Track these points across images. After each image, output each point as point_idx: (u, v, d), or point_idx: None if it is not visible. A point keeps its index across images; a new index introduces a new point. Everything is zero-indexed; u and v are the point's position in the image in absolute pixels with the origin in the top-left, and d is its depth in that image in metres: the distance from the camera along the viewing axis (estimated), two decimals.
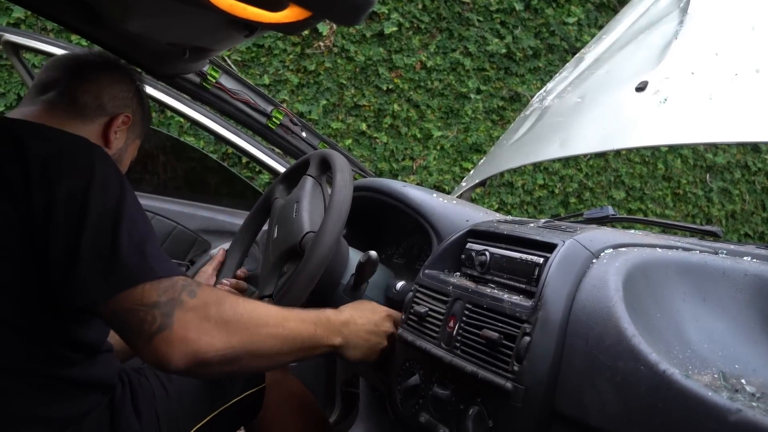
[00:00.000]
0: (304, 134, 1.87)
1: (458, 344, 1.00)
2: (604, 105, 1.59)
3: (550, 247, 0.95)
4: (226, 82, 1.81)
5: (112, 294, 0.91)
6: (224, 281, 1.33)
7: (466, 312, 1.00)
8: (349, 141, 4.09)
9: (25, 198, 0.92)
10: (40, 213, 0.92)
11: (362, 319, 1.14)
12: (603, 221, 1.37)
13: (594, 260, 0.91)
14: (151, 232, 0.99)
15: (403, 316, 1.16)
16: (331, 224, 1.09)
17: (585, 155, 4.43)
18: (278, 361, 1.05)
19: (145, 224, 0.98)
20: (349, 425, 1.78)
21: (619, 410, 0.75)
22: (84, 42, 2.78)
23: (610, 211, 1.38)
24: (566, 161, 4.68)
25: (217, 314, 0.94)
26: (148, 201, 2.15)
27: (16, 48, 2.11)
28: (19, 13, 3.32)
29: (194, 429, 1.21)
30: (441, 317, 1.06)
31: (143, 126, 1.32)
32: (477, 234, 1.16)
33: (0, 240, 0.93)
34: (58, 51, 2.03)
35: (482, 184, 1.91)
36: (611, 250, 0.93)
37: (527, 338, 0.87)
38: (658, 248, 0.94)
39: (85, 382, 1.04)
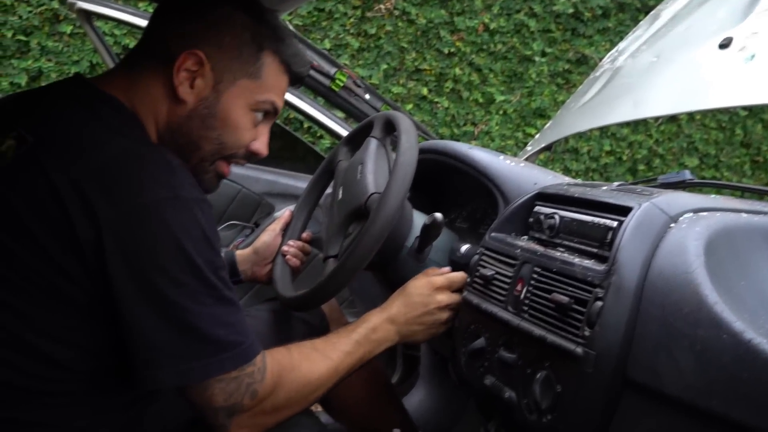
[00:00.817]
0: (367, 96, 1.86)
1: (526, 308, 0.98)
2: (682, 64, 1.50)
3: (624, 211, 0.92)
4: None
5: (177, 384, 0.89)
6: (290, 242, 1.36)
7: (535, 275, 0.98)
8: (410, 106, 4.05)
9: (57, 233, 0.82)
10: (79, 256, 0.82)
11: (408, 306, 1.13)
12: (679, 186, 1.31)
13: (672, 224, 0.87)
14: (224, 291, 0.88)
15: (469, 279, 1.15)
16: (396, 185, 1.08)
17: (657, 118, 4.25)
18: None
19: (218, 281, 0.87)
20: (409, 388, 1.80)
21: (698, 380, 0.73)
22: (151, 9, 2.83)
23: (688, 175, 1.31)
24: (635, 126, 4.49)
25: (272, 404, 0.95)
26: None
27: (89, 15, 2.17)
28: None
29: None
30: (508, 281, 1.04)
31: (243, 58, 0.95)
32: (546, 197, 1.13)
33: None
34: (129, 17, 2.08)
35: (548, 148, 1.86)
36: (691, 214, 0.89)
37: (599, 303, 0.84)
38: (743, 213, 0.89)
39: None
